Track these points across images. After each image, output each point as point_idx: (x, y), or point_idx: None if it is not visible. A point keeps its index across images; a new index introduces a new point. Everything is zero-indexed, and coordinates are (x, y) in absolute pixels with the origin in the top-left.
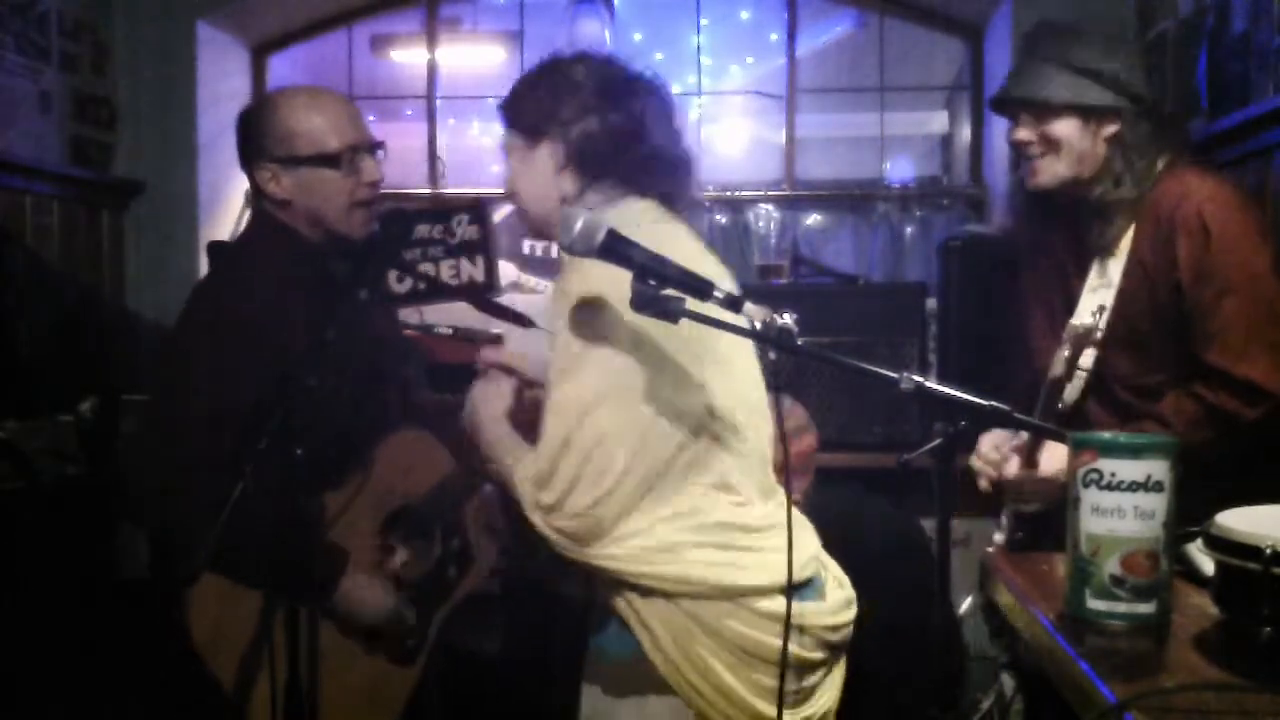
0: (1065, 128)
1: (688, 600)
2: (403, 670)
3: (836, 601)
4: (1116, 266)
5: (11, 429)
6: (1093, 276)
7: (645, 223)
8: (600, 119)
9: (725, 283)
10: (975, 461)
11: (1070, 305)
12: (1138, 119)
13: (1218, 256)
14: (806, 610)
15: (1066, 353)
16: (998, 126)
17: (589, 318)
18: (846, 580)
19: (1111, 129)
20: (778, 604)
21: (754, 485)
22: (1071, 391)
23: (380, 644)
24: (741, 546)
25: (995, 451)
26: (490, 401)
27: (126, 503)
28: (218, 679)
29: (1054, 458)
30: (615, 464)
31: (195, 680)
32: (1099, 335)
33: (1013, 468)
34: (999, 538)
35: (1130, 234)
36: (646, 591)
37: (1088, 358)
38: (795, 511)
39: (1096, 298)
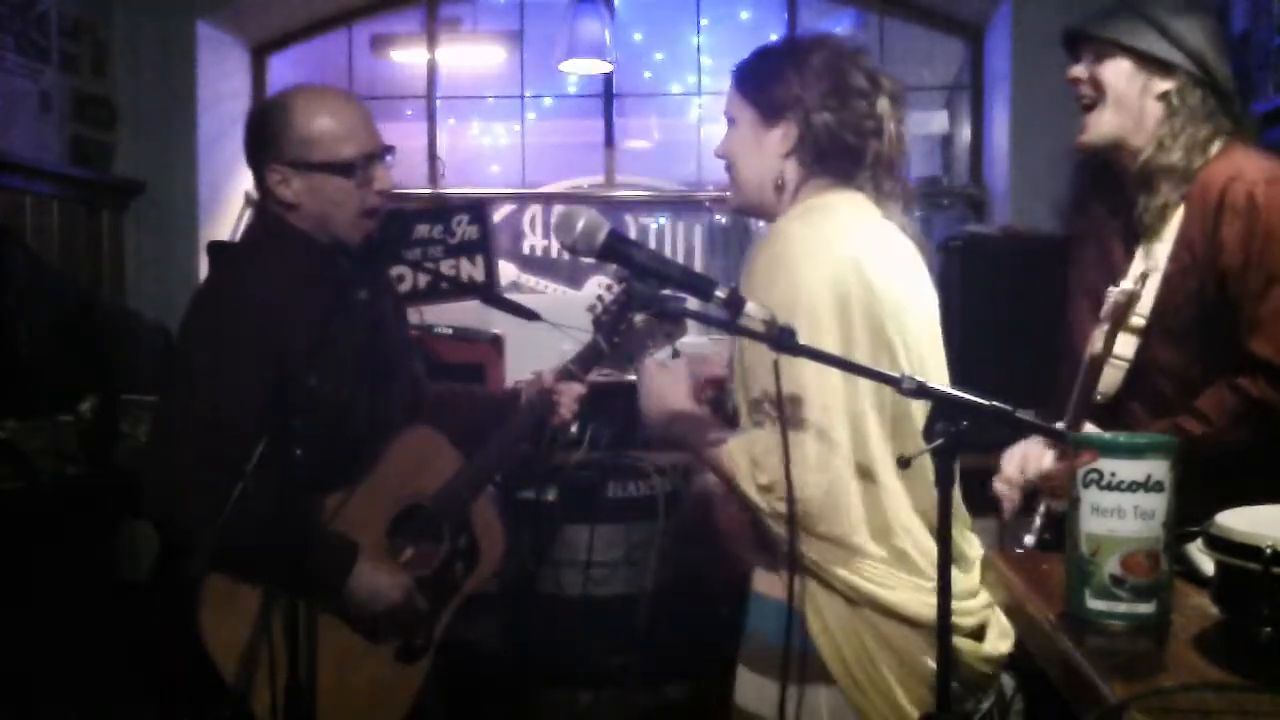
0: (1115, 72)
1: (868, 610)
2: (409, 669)
3: (992, 642)
4: (1163, 250)
5: (11, 429)
6: (1138, 261)
7: (866, 217)
8: (841, 115)
9: (925, 278)
10: (999, 485)
11: None
12: (1194, 84)
13: (1268, 241)
14: (965, 647)
15: (1107, 325)
16: (998, 126)
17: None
18: (1011, 634)
19: (1164, 86)
20: (966, 641)
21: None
22: (1111, 383)
23: (391, 637)
24: (920, 567)
25: (1019, 474)
26: (676, 387)
27: (138, 501)
28: (225, 676)
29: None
30: (830, 448)
31: (196, 680)
32: (1142, 322)
33: (1048, 461)
34: (1030, 540)
35: (1179, 217)
36: (830, 590)
37: (1129, 346)
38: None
39: (1143, 285)
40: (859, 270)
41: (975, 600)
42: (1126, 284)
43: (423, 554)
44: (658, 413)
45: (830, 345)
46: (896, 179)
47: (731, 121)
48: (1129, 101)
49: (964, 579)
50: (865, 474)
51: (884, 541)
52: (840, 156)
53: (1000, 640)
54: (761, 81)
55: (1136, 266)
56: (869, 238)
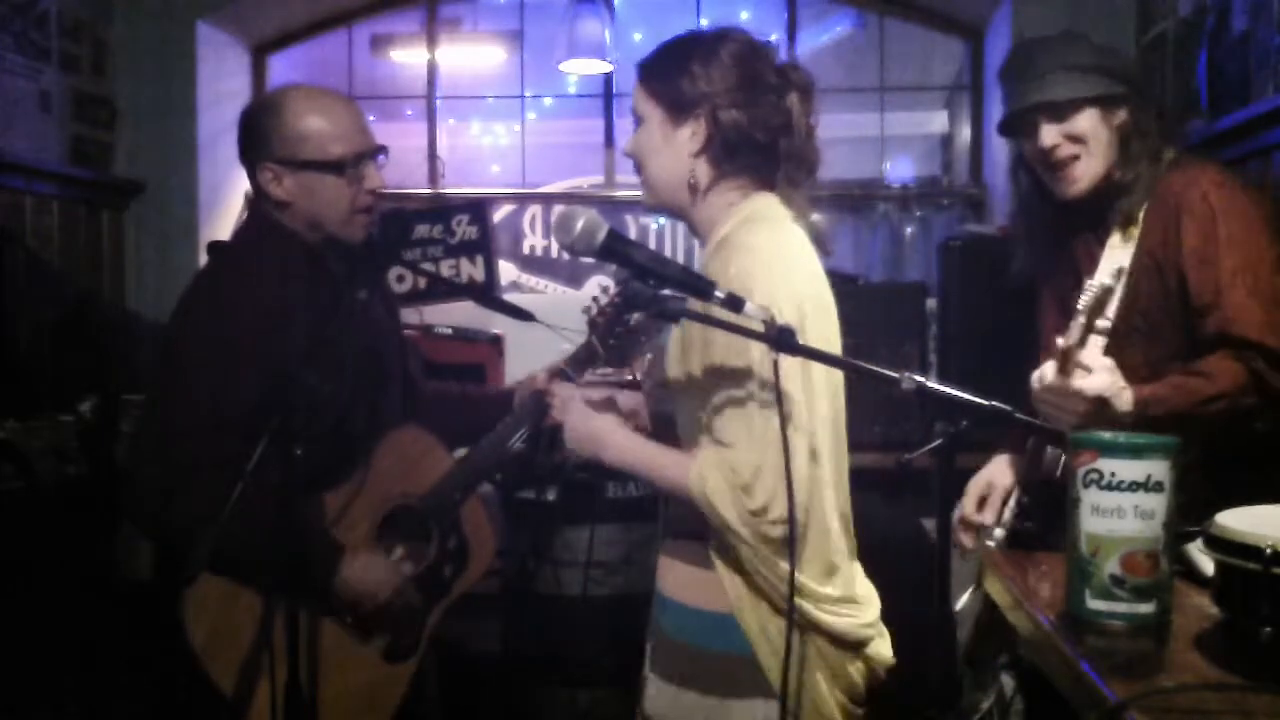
0: (1087, 121)
1: (814, 634)
2: (396, 669)
3: (885, 648)
4: (1126, 256)
5: (11, 429)
6: (1103, 268)
7: (777, 218)
8: (752, 111)
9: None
10: (957, 529)
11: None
12: (1143, 104)
13: (1229, 238)
14: (870, 653)
15: (1082, 319)
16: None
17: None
18: (889, 639)
19: (1122, 116)
20: (876, 649)
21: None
22: None
23: (380, 634)
24: (858, 596)
25: (977, 511)
26: (608, 415)
27: (126, 503)
28: (215, 681)
29: (1095, 380)
30: (811, 464)
31: (195, 680)
32: (1108, 324)
33: (1049, 373)
34: (999, 533)
35: (1139, 224)
36: (778, 611)
37: (1097, 349)
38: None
39: None
40: (815, 285)
41: (868, 609)
42: (1104, 278)
43: (411, 555)
44: (591, 444)
45: (791, 373)
46: (811, 180)
47: (639, 119)
48: (1106, 141)
49: (858, 585)
50: (825, 488)
51: (829, 557)
52: (751, 154)
53: (884, 640)
54: (668, 78)
55: (1104, 269)
56: (809, 250)
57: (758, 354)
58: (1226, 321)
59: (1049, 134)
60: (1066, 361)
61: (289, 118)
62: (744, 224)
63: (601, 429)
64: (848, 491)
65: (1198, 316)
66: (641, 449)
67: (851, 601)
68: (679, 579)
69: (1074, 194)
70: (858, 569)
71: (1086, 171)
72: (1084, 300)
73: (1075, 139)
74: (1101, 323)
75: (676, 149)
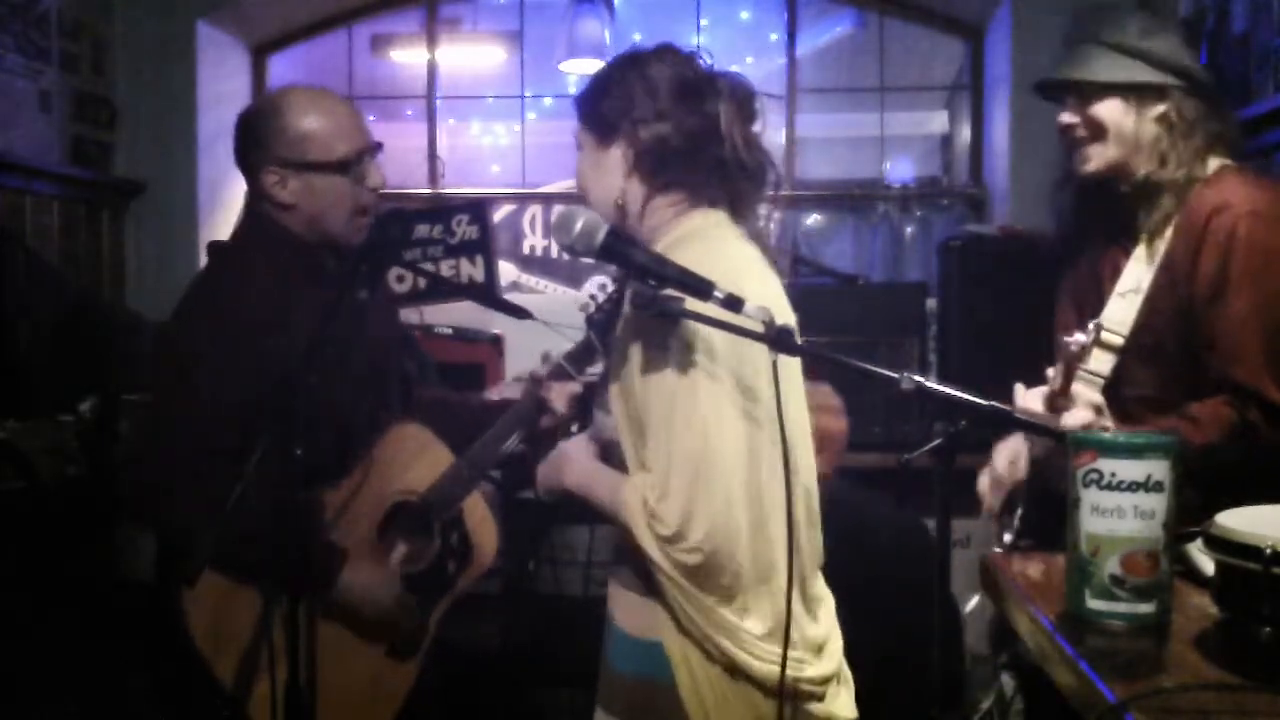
0: (1109, 109)
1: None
2: (402, 666)
3: (837, 704)
4: (1149, 273)
5: (11, 429)
6: (1124, 280)
7: (713, 238)
8: (674, 124)
9: (786, 307)
10: (984, 481)
11: (1102, 308)
12: (1185, 97)
13: (1244, 272)
14: (815, 711)
15: (1061, 370)
16: (998, 126)
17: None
18: (852, 683)
19: (1159, 109)
20: (826, 708)
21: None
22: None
23: (382, 637)
24: (807, 640)
25: (1009, 470)
26: (573, 443)
27: (123, 502)
28: (218, 678)
29: (1074, 417)
30: (731, 492)
31: (195, 680)
32: (1120, 341)
33: (1035, 403)
34: (1008, 538)
35: (1168, 237)
36: (706, 654)
37: (1106, 364)
38: (832, 615)
39: (1126, 303)
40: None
41: (824, 657)
42: (1080, 335)
43: (414, 551)
44: (554, 468)
45: (710, 392)
46: (758, 190)
47: (580, 149)
48: (1129, 132)
49: (811, 626)
50: (757, 521)
51: (763, 595)
52: (679, 168)
53: (841, 691)
54: (593, 104)
55: (1126, 282)
56: (737, 271)
57: (673, 374)
58: (1228, 364)
59: (1068, 113)
60: (1053, 404)
61: (290, 119)
62: (676, 243)
63: (565, 449)
64: (817, 528)
65: (1205, 350)
66: (597, 472)
67: (772, 640)
68: (620, 605)
69: (1084, 173)
70: (825, 614)
71: (1099, 155)
72: (1065, 353)
73: (1094, 124)
74: (1114, 339)
75: (609, 172)
